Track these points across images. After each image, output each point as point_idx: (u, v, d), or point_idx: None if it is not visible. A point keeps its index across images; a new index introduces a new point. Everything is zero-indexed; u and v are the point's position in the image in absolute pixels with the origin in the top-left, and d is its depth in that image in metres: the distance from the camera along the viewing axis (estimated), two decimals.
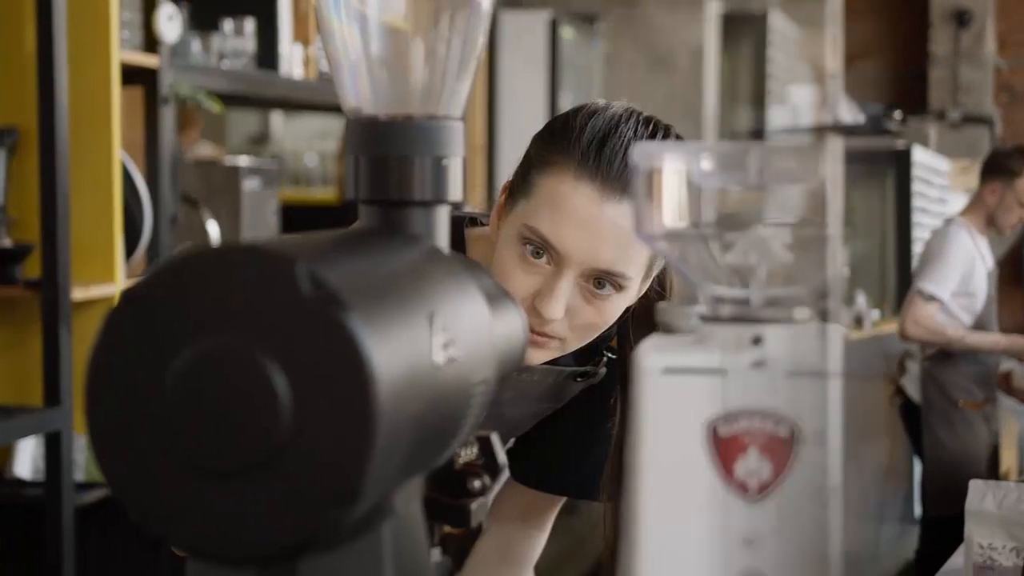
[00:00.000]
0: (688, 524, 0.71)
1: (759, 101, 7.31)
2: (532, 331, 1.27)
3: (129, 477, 0.65)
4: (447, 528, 1.00)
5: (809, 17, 9.10)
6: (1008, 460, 4.97)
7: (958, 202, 8.41)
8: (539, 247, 1.26)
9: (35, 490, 2.38)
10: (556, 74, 5.98)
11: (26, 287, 2.40)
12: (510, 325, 0.89)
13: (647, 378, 0.72)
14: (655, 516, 0.72)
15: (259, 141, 6.39)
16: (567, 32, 6.18)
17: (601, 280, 1.27)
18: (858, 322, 5.83)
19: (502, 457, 0.94)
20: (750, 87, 7.34)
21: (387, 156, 0.83)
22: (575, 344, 1.32)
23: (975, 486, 2.05)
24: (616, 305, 1.29)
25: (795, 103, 5.37)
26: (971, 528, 1.99)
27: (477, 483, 0.91)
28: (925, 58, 9.28)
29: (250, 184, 3.08)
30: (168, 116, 2.73)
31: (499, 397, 1.33)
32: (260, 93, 3.13)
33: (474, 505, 0.90)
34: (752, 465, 0.71)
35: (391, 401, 0.64)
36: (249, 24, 3.05)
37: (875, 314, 6.20)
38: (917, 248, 7.14)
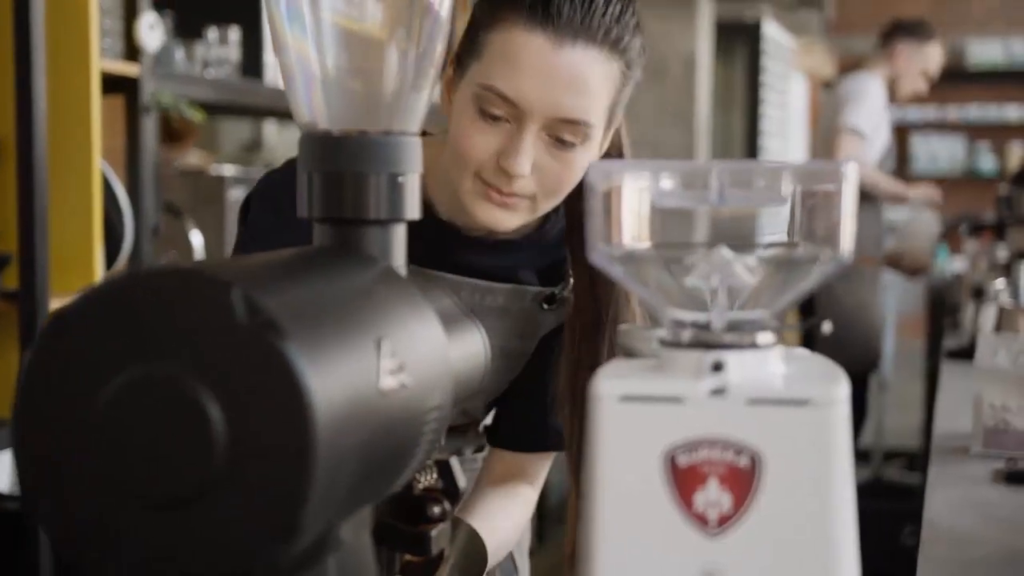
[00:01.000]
0: (646, 557, 0.69)
1: (753, 108, 7.30)
2: (500, 192, 1.26)
3: (56, 504, 0.62)
4: (407, 556, 0.97)
5: (803, 25, 9.13)
6: None
7: (798, 81, 8.56)
8: (496, 105, 1.23)
9: (13, 503, 2.35)
10: None
11: (3, 298, 2.37)
12: (469, 346, 0.86)
13: (603, 405, 0.69)
14: (611, 548, 0.69)
15: (252, 149, 6.36)
16: None
17: (564, 136, 1.24)
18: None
19: (462, 481, 0.91)
20: (744, 94, 7.33)
21: (341, 173, 0.81)
22: (545, 205, 1.29)
23: (985, 340, 1.92)
24: (582, 158, 1.27)
25: None
26: (981, 386, 1.86)
27: (437, 509, 0.88)
28: None
29: (236, 194, 3.05)
30: (150, 125, 2.70)
31: None
32: (244, 102, 3.11)
33: (434, 532, 0.87)
34: (712, 496, 0.68)
35: (331, 431, 0.61)
36: (234, 32, 3.03)
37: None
38: (764, 124, 7.24)
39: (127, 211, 2.58)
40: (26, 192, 2.35)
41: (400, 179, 0.81)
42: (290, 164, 1.38)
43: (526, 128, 1.23)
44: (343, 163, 0.80)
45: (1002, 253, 3.98)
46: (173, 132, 3.45)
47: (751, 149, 7.28)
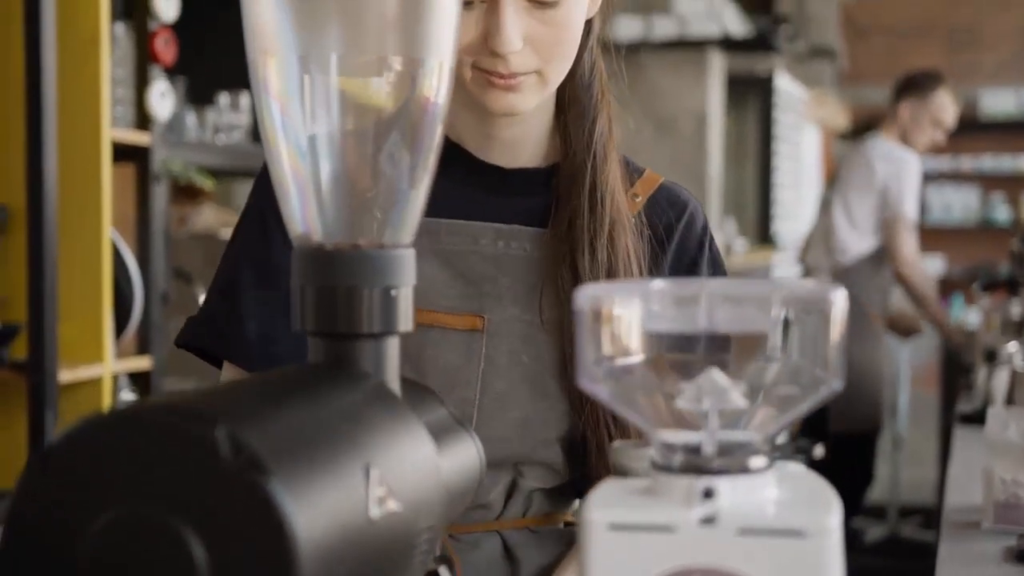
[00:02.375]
0: None
1: (765, 160, 7.31)
2: (502, 76, 1.18)
3: None
4: None
5: (816, 76, 9.17)
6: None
7: (811, 132, 8.59)
8: None
9: None
10: None
11: (12, 369, 2.38)
12: (462, 458, 0.86)
13: (593, 533, 0.69)
14: None
15: None
16: None
17: None
18: (726, 251, 5.87)
19: None
20: (756, 147, 7.34)
21: (334, 287, 0.80)
22: (555, 74, 1.21)
23: (995, 414, 1.89)
24: (573, 11, 1.19)
25: (682, 12, 5.37)
26: (992, 461, 1.81)
27: None
28: None
29: None
30: (160, 193, 2.71)
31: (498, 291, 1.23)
32: (256, 167, 3.12)
33: None
34: None
35: (318, 567, 0.61)
36: (245, 98, 3.05)
37: (742, 243, 6.25)
38: (777, 177, 7.25)
39: (136, 279, 2.58)
40: (36, 261, 2.36)
41: (393, 292, 0.81)
42: None
43: (501, 2, 1.15)
44: (336, 278, 0.80)
45: (1016, 309, 3.97)
46: (187, 189, 3.47)
47: (764, 202, 7.28)
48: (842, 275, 4.53)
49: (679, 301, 0.71)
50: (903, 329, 4.98)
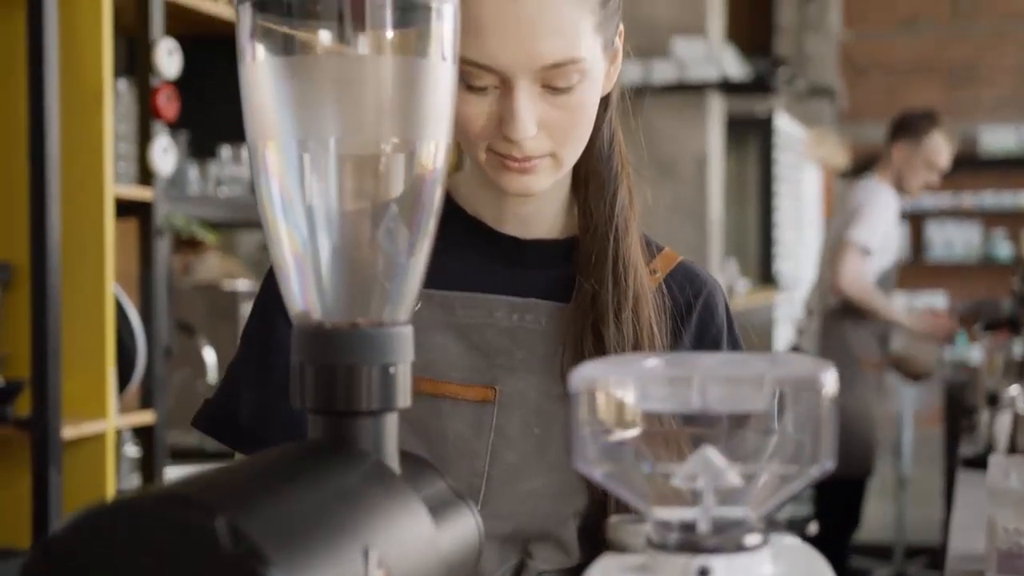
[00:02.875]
0: None
1: (766, 200, 7.34)
2: (516, 160, 1.18)
3: None
4: None
5: (816, 115, 9.22)
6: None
7: (811, 171, 8.63)
8: (477, 76, 1.14)
9: None
10: None
11: (15, 426, 2.38)
12: (461, 532, 0.87)
13: None
14: None
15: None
16: None
17: (557, 83, 1.15)
18: (729, 292, 5.86)
19: None
20: (757, 187, 7.37)
21: (333, 366, 0.82)
22: (570, 156, 1.21)
23: (996, 462, 1.88)
24: (588, 94, 1.18)
25: (681, 56, 5.40)
26: (994, 511, 1.80)
27: None
28: (770, 27, 9.48)
29: (249, 309, 3.07)
30: (163, 247, 2.73)
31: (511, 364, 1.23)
32: (257, 219, 3.14)
33: None
34: None
35: None
36: (246, 151, 3.07)
37: (744, 284, 6.25)
38: (777, 217, 7.27)
39: (140, 334, 2.60)
40: (39, 318, 2.38)
41: (392, 369, 0.82)
42: None
43: (515, 89, 1.14)
44: (335, 356, 0.81)
45: (1018, 349, 3.97)
46: (191, 238, 3.49)
47: (765, 242, 7.31)
48: (831, 317, 4.55)
49: (673, 381, 0.72)
50: (910, 373, 4.97)
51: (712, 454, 0.72)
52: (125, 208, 2.65)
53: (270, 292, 1.29)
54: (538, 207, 1.30)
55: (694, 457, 0.72)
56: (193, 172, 2.96)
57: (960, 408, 4.71)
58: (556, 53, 1.13)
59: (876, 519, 6.53)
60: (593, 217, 1.29)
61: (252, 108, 0.82)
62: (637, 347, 1.25)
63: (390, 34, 0.81)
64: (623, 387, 0.72)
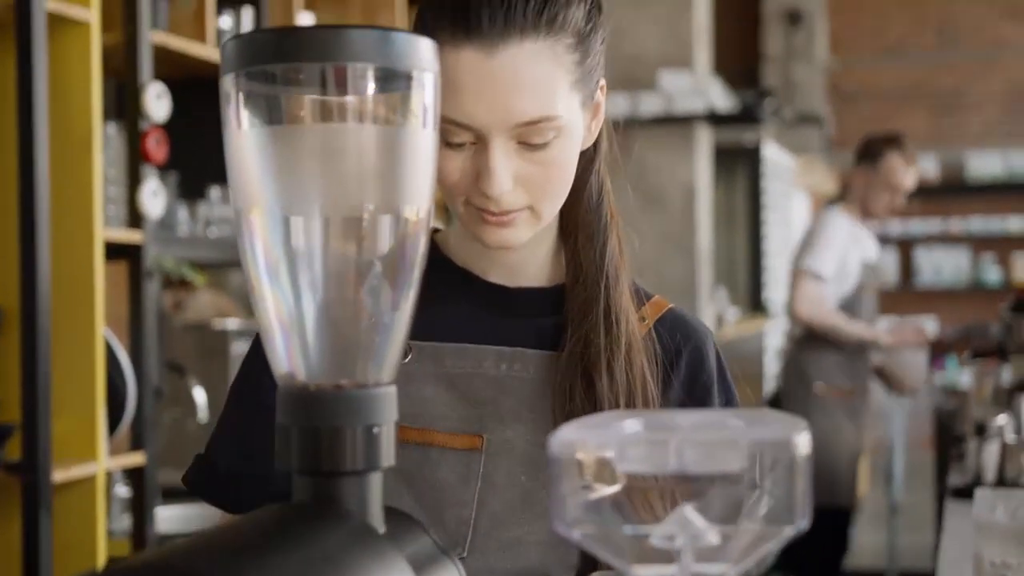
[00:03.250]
0: None
1: (755, 229, 7.37)
2: (493, 214, 1.19)
3: None
4: None
5: (804, 142, 9.27)
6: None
7: (800, 198, 8.67)
8: (454, 133, 1.16)
9: None
10: None
11: (6, 470, 2.39)
12: None
13: None
14: None
15: None
16: None
17: (533, 140, 1.16)
18: (719, 320, 5.88)
19: None
20: (746, 215, 7.41)
21: (318, 427, 0.83)
22: (548, 209, 1.22)
23: (982, 496, 1.88)
24: (564, 149, 1.19)
25: (668, 89, 5.43)
26: (980, 543, 1.81)
27: None
28: (757, 57, 9.55)
29: (240, 347, 3.08)
30: (152, 290, 2.74)
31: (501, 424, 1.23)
32: None
33: None
34: None
35: None
36: None
37: (733, 312, 6.27)
38: (767, 245, 7.30)
39: (130, 377, 2.61)
40: (29, 362, 2.39)
41: (375, 430, 0.84)
42: None
43: (491, 145, 1.16)
44: (320, 418, 0.83)
45: (1007, 376, 3.98)
46: (181, 279, 3.50)
47: (754, 270, 7.34)
48: (794, 346, 4.58)
49: (651, 444, 0.74)
50: (896, 386, 4.98)
51: (690, 513, 0.74)
52: (115, 251, 2.67)
53: (259, 355, 1.30)
54: (525, 256, 1.31)
55: (672, 516, 0.74)
56: (183, 213, 2.98)
57: (950, 435, 4.73)
58: (531, 111, 1.15)
59: (868, 545, 6.54)
60: (583, 267, 1.30)
61: (237, 175, 0.84)
62: (630, 395, 1.26)
63: (372, 104, 0.83)
64: (603, 450, 0.74)
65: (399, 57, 0.83)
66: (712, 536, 0.73)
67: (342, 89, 0.82)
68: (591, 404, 1.24)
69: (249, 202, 0.84)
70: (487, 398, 1.27)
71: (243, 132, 0.83)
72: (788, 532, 0.73)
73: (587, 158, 1.28)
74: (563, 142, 1.19)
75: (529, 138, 1.17)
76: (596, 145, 1.30)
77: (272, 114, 0.84)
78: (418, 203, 0.86)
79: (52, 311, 2.44)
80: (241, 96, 0.83)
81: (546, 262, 1.33)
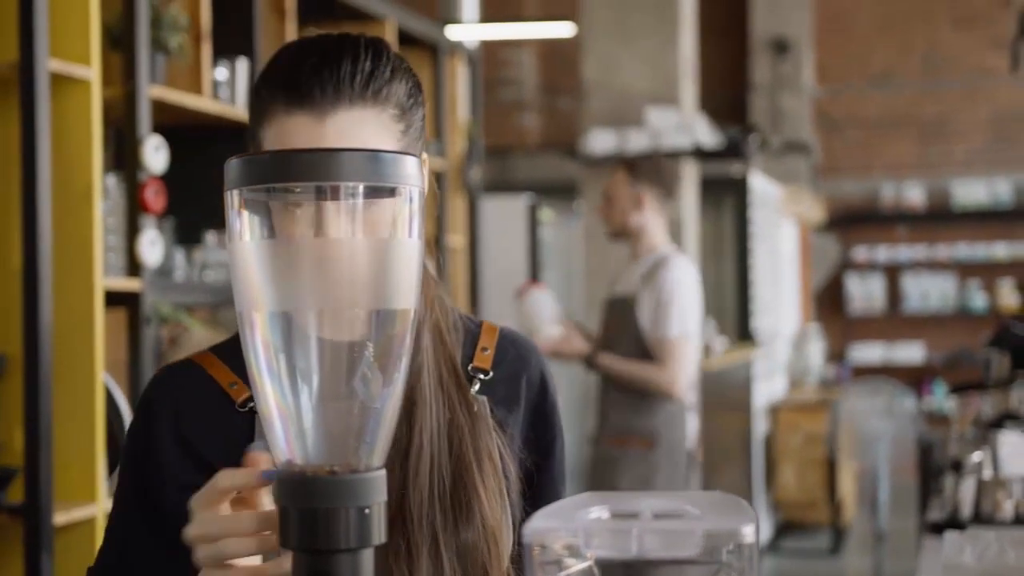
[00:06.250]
0: None
1: (743, 259, 7.45)
2: None
3: None
4: None
5: (792, 171, 9.37)
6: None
7: (788, 226, 8.75)
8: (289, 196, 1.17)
9: None
10: (537, 253, 6.13)
11: (8, 513, 2.46)
12: None
13: None
14: None
15: None
16: (546, 214, 6.34)
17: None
18: (707, 351, 5.90)
19: None
20: (733, 246, 7.49)
21: (314, 509, 0.91)
22: None
23: (951, 539, 1.93)
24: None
25: (655, 126, 5.46)
26: None
27: None
28: (745, 85, 9.66)
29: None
30: (150, 335, 2.82)
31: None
32: None
33: None
34: None
35: None
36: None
37: (721, 342, 6.34)
38: (754, 274, 7.37)
39: (128, 420, 2.68)
40: (32, 407, 2.46)
41: (367, 511, 0.92)
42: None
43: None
44: (316, 500, 0.91)
45: (987, 410, 4.05)
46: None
47: (742, 300, 7.41)
48: None
49: (614, 533, 0.82)
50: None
51: None
52: (114, 298, 2.75)
53: (143, 449, 1.30)
54: None
55: None
56: (179, 258, 3.06)
57: (933, 463, 4.78)
58: None
59: (855, 571, 6.61)
60: None
61: (240, 281, 0.92)
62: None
63: (362, 216, 0.91)
64: (572, 538, 0.82)
65: (385, 174, 0.92)
66: None
67: (335, 204, 0.91)
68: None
69: (250, 304, 0.92)
70: None
71: (245, 243, 0.91)
72: None
73: None
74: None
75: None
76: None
77: (271, 228, 0.93)
78: (405, 301, 0.94)
79: (53, 357, 2.51)
80: (243, 211, 0.91)
81: None
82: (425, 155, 1.34)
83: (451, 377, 1.31)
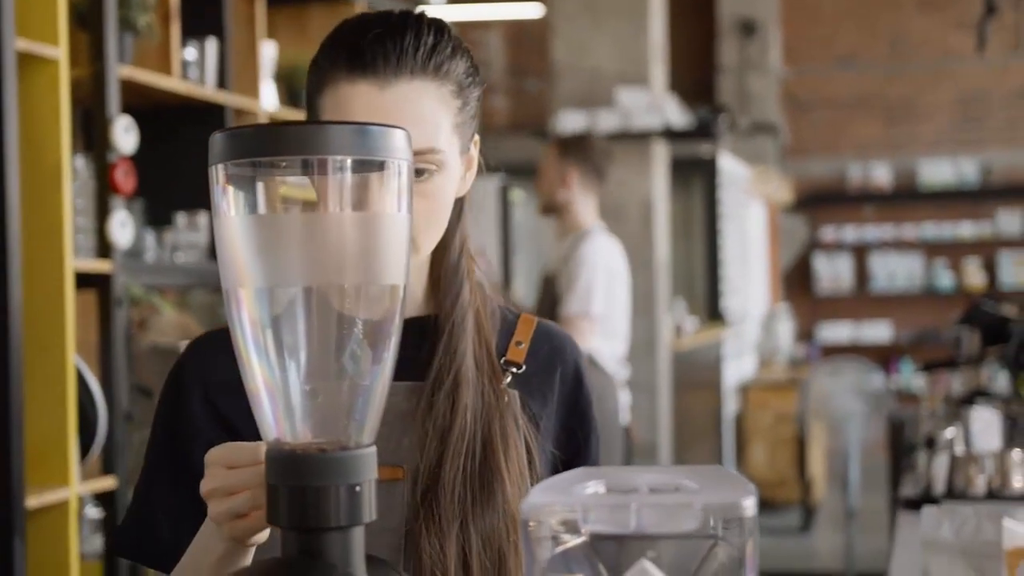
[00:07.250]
0: None
1: (712, 239, 7.48)
2: None
3: None
4: None
5: (760, 152, 9.39)
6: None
7: (756, 207, 8.81)
8: None
9: None
10: (509, 236, 6.13)
11: None
12: None
13: None
14: None
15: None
16: (516, 195, 6.34)
17: (416, 166, 1.21)
18: (678, 331, 5.92)
19: None
20: (703, 226, 7.51)
21: (304, 487, 0.90)
22: (427, 242, 1.28)
23: (929, 513, 1.93)
24: (444, 185, 1.27)
25: (625, 106, 5.49)
26: (927, 560, 1.86)
27: None
28: (713, 67, 9.70)
29: None
30: (121, 317, 2.79)
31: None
32: (214, 284, 3.21)
33: None
34: None
35: None
36: (202, 217, 3.14)
37: (692, 322, 6.37)
38: (723, 254, 7.42)
39: (100, 402, 2.66)
40: (2, 391, 2.43)
41: (357, 488, 0.91)
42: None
43: None
44: (305, 479, 0.90)
45: (958, 385, 4.07)
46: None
47: (712, 280, 7.44)
48: None
49: (613, 508, 0.81)
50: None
51: (649, 566, 0.81)
52: (84, 280, 2.72)
53: (172, 406, 1.32)
54: None
55: (632, 570, 0.81)
56: (150, 240, 3.03)
57: (903, 440, 4.81)
58: (418, 141, 1.20)
59: (826, 548, 6.66)
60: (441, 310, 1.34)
61: (226, 257, 0.91)
62: (449, 426, 1.27)
63: (350, 191, 0.90)
64: (569, 513, 0.81)
65: (374, 148, 0.90)
66: None
67: (322, 179, 0.90)
68: (434, 435, 1.27)
69: (236, 281, 0.91)
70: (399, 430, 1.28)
71: (230, 219, 0.90)
72: None
73: (456, 210, 1.34)
74: (443, 178, 1.27)
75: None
76: (462, 199, 1.36)
77: (256, 202, 0.91)
78: (394, 277, 0.93)
79: (24, 340, 2.48)
80: (228, 186, 0.90)
81: (417, 295, 1.35)
82: (477, 137, 1.36)
83: (487, 362, 1.32)
